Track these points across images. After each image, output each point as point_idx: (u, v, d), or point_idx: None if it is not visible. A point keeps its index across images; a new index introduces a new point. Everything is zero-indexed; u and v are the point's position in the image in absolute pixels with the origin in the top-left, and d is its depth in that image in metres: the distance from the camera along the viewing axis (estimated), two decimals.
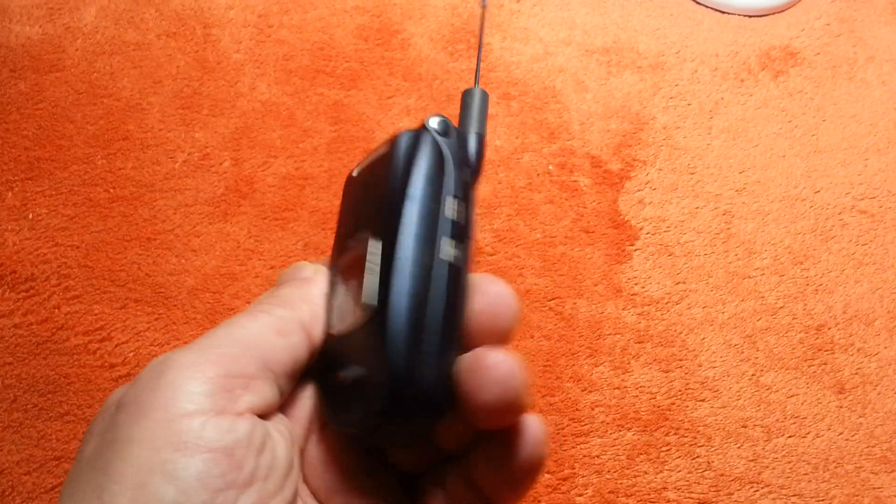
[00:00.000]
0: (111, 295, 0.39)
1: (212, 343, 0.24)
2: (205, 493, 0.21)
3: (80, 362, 0.38)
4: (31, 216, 0.42)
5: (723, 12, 0.49)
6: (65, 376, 0.37)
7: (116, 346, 0.38)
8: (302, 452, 0.27)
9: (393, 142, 0.23)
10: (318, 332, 0.27)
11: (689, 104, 0.45)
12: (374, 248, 0.22)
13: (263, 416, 0.24)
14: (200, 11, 0.48)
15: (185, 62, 0.46)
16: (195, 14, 0.48)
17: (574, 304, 0.38)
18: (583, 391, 0.36)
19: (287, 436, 0.25)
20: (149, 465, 0.21)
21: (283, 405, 0.26)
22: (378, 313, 0.20)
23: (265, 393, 0.25)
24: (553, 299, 0.39)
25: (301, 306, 0.27)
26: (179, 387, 0.22)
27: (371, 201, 0.24)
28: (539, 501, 0.34)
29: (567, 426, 0.35)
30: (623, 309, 0.39)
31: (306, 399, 0.29)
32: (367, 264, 0.22)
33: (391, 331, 0.20)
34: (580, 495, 0.34)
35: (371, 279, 0.21)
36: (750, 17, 0.49)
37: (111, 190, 0.42)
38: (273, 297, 0.27)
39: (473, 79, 0.25)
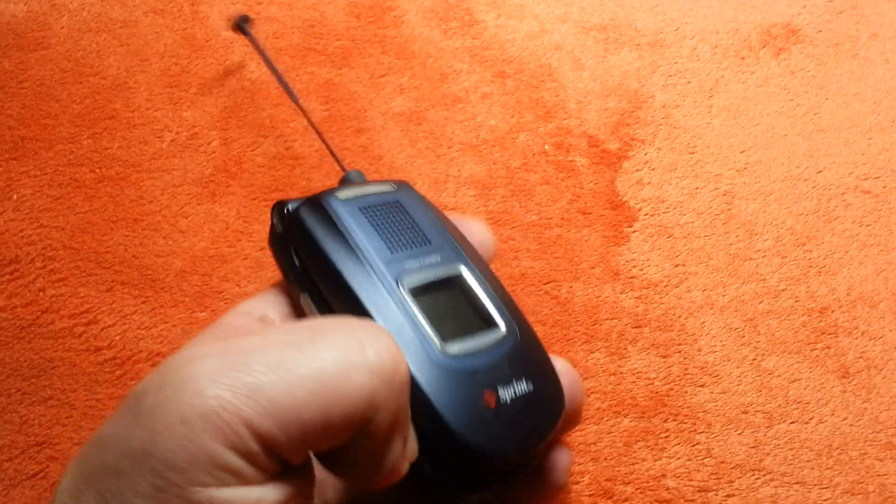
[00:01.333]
0: (97, 277, 0.38)
1: (264, 373, 0.18)
2: None
3: (65, 346, 0.37)
4: (15, 197, 0.41)
5: None
6: (49, 360, 0.36)
7: (102, 329, 0.37)
8: None
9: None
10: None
11: (688, 82, 0.44)
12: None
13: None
14: None
15: (173, 40, 0.45)
16: None
17: (570, 287, 0.38)
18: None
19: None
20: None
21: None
22: None
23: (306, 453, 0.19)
24: (549, 283, 0.38)
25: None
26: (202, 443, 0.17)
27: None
28: (534, 485, 0.34)
29: None
30: (620, 292, 0.38)
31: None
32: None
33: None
34: (577, 483, 0.33)
35: None
36: None
37: (97, 170, 0.41)
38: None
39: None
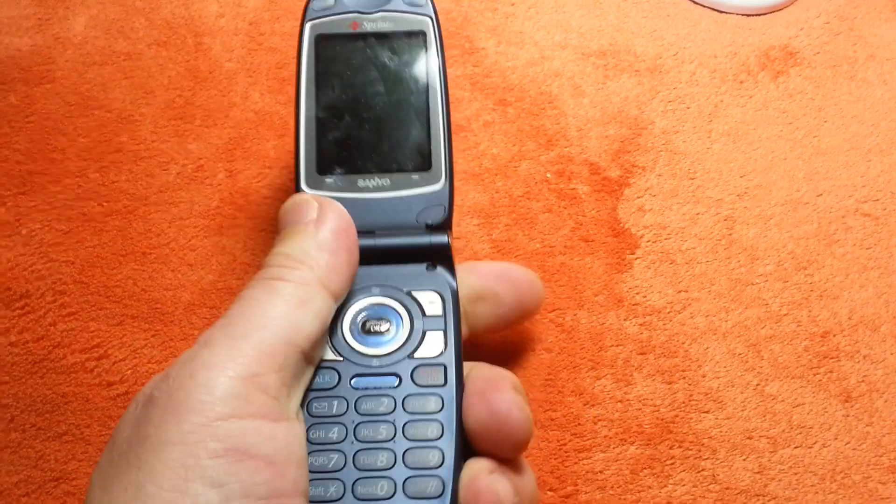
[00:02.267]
0: (107, 311, 0.39)
1: (236, 333, 0.23)
2: (248, 501, 0.20)
3: (77, 381, 0.37)
4: (24, 232, 0.41)
5: (720, 11, 0.49)
6: (62, 395, 0.37)
7: (114, 363, 0.38)
8: None
9: None
10: (337, 283, 0.26)
11: (687, 107, 0.45)
12: None
13: (296, 409, 0.23)
14: (191, 20, 0.47)
15: (177, 72, 0.46)
16: (186, 22, 0.47)
17: (575, 315, 0.38)
18: (585, 405, 0.36)
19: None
20: (188, 469, 0.21)
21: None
22: None
23: (295, 381, 0.24)
24: (553, 311, 0.38)
25: (317, 260, 0.26)
26: (213, 388, 0.21)
27: None
28: None
29: (569, 441, 0.35)
30: (625, 319, 0.38)
31: None
32: None
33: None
34: None
35: None
36: (748, 16, 0.49)
37: (105, 204, 0.42)
38: (284, 255, 0.26)
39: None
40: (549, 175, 0.42)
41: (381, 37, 0.32)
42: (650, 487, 0.34)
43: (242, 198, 0.42)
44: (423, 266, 0.30)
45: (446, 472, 0.25)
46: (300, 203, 0.28)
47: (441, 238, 0.30)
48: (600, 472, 0.34)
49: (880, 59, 0.47)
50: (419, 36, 0.32)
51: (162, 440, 0.21)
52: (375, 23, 0.32)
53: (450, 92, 0.44)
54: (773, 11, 0.49)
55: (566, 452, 0.35)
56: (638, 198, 0.42)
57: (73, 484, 0.35)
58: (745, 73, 0.46)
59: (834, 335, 0.39)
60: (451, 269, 0.30)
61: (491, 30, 0.47)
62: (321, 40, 0.32)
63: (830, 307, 0.40)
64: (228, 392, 0.21)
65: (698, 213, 0.42)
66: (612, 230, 0.41)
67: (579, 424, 0.35)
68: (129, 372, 0.37)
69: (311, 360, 0.26)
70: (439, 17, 0.32)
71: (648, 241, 0.41)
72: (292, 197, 0.29)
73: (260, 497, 0.21)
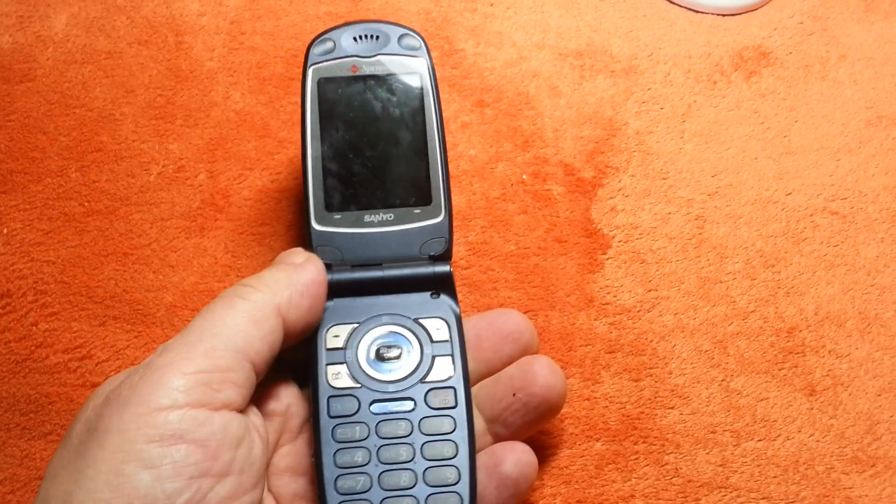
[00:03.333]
0: (89, 312, 0.40)
1: (191, 339, 0.26)
2: (179, 480, 0.23)
3: (60, 381, 0.38)
4: (5, 231, 0.42)
5: (696, 11, 0.49)
6: (46, 395, 0.38)
7: (97, 364, 0.38)
8: (269, 460, 0.29)
9: None
10: (294, 317, 0.29)
11: (661, 108, 0.46)
12: None
13: (242, 407, 0.26)
14: (172, 19, 0.48)
15: (158, 71, 0.46)
16: (167, 21, 0.47)
17: (546, 315, 0.39)
18: None
19: (264, 438, 0.28)
20: (125, 453, 0.23)
21: (262, 400, 0.28)
22: None
23: (241, 386, 0.27)
24: (527, 312, 0.39)
25: (281, 291, 0.29)
26: (158, 383, 0.24)
27: None
28: None
29: (537, 439, 0.36)
30: (595, 319, 0.39)
31: (286, 399, 0.31)
32: None
33: None
34: None
35: None
36: (723, 15, 0.49)
37: (86, 203, 0.42)
38: (256, 279, 0.29)
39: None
40: (525, 176, 0.43)
41: (380, 79, 0.34)
42: (614, 482, 0.35)
43: (223, 199, 0.42)
44: (427, 294, 0.32)
45: (463, 487, 0.28)
46: (291, 251, 0.32)
47: (444, 268, 0.32)
48: (566, 467, 0.35)
49: (852, 60, 0.48)
50: (415, 77, 0.34)
51: (104, 430, 0.23)
52: (374, 66, 0.34)
53: None
54: (747, 11, 0.50)
55: (534, 450, 0.36)
56: (611, 198, 0.43)
57: None
58: (718, 73, 0.47)
59: (800, 331, 0.40)
60: (454, 297, 0.32)
61: (470, 30, 0.47)
62: (323, 83, 0.34)
63: (797, 303, 0.41)
64: (170, 386, 0.24)
65: (670, 213, 0.43)
66: (585, 231, 0.42)
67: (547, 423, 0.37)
68: (113, 373, 0.38)
69: (259, 374, 0.27)
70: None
71: (620, 242, 0.42)
72: (293, 249, 0.32)
73: (191, 476, 0.23)
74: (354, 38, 0.34)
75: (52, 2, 0.48)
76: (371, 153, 0.33)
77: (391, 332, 0.31)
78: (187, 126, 0.44)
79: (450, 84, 0.45)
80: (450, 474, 0.28)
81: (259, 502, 0.26)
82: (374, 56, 0.34)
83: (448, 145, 0.43)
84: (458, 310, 0.32)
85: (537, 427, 0.33)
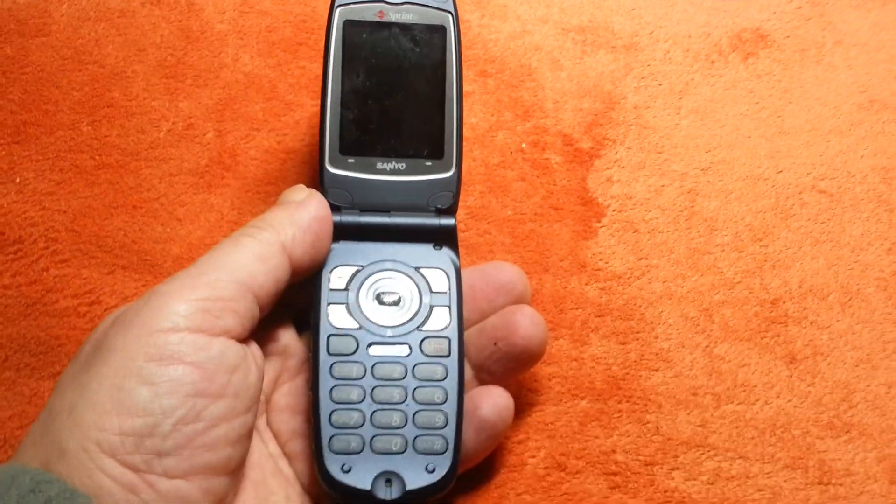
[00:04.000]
0: (98, 260, 0.41)
1: (196, 271, 0.28)
2: (175, 397, 0.25)
3: (70, 324, 0.39)
4: (18, 180, 0.43)
5: None
6: (55, 337, 0.39)
7: (105, 309, 0.40)
8: (270, 397, 0.31)
9: None
10: (299, 254, 0.30)
11: (659, 84, 0.47)
12: None
13: (242, 337, 0.28)
14: None
15: (169, 31, 0.47)
16: None
17: (540, 279, 0.40)
18: (542, 363, 0.38)
19: (261, 368, 0.29)
20: (126, 370, 0.25)
21: (262, 338, 0.29)
22: None
23: (243, 316, 0.28)
24: None
25: (286, 229, 0.30)
26: (161, 307, 0.26)
27: None
28: (492, 460, 0.37)
29: (524, 396, 0.37)
30: (586, 284, 0.41)
31: (285, 339, 0.32)
32: None
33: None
34: (532, 457, 0.36)
35: None
36: None
37: (97, 157, 0.43)
38: (261, 219, 0.31)
39: None
40: (524, 145, 0.44)
41: (406, 28, 0.34)
42: (597, 437, 0.37)
43: (230, 158, 0.43)
44: (430, 246, 0.33)
45: (449, 431, 0.29)
46: (293, 188, 0.32)
47: (449, 221, 0.34)
48: (551, 423, 0.37)
49: (847, 45, 0.49)
50: (440, 31, 0.34)
51: (109, 348, 0.25)
52: (400, 14, 0.34)
53: None
54: None
55: (520, 406, 0.37)
56: (607, 169, 0.44)
57: None
58: (716, 53, 0.48)
59: (784, 302, 0.42)
60: (456, 250, 0.33)
61: (476, 2, 0.48)
62: (349, 26, 0.34)
63: (782, 276, 0.42)
64: (172, 311, 0.25)
65: (663, 186, 0.44)
66: (581, 199, 0.43)
67: (535, 381, 0.38)
68: None
69: (263, 308, 0.29)
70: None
71: (614, 211, 0.43)
72: (295, 187, 0.33)
73: (187, 394, 0.25)
74: None
75: None
76: (389, 101, 0.34)
77: (392, 278, 0.32)
78: (197, 86, 0.45)
79: None
80: (438, 419, 0.29)
81: (251, 426, 0.28)
82: (402, 3, 0.34)
83: None
84: (458, 263, 0.33)
85: (520, 374, 0.34)
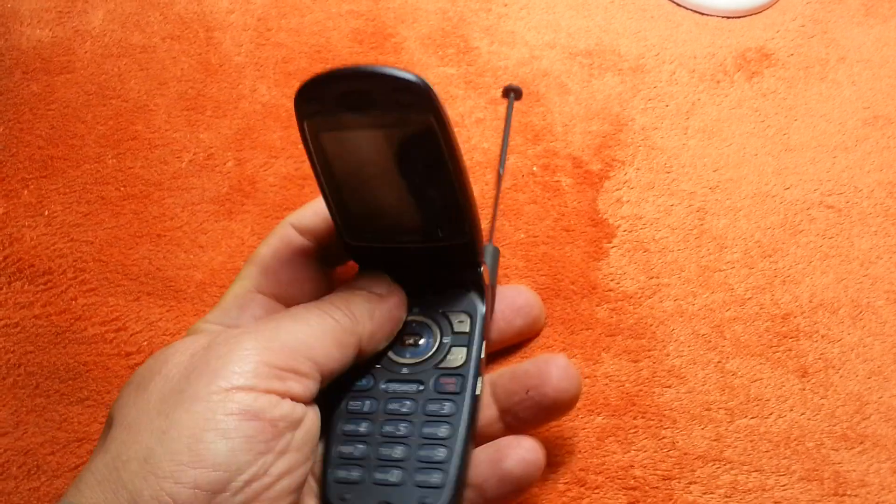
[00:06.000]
0: (124, 288, 0.42)
1: (279, 335, 0.29)
2: (249, 454, 0.26)
3: (97, 351, 0.41)
4: (46, 213, 0.44)
5: (701, 13, 0.52)
6: (84, 364, 0.40)
7: (131, 335, 0.41)
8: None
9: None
10: (370, 349, 0.32)
11: (666, 105, 0.48)
12: None
13: (306, 402, 0.29)
14: (203, 15, 0.50)
15: (189, 65, 0.49)
16: (198, 17, 0.50)
17: (552, 302, 0.41)
18: None
19: (318, 421, 0.30)
20: (207, 421, 0.25)
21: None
22: None
23: (309, 386, 0.30)
24: None
25: (366, 324, 0.32)
26: (244, 366, 0.27)
27: None
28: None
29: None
30: (596, 305, 0.42)
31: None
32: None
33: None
34: (552, 472, 0.37)
35: None
36: (728, 18, 0.52)
37: (122, 188, 0.45)
38: (345, 302, 0.32)
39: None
40: (535, 168, 0.45)
41: (378, 133, 0.29)
42: (614, 453, 0.38)
43: (250, 185, 0.45)
44: (457, 290, 0.34)
45: (451, 467, 0.30)
46: (377, 278, 0.33)
47: (475, 270, 0.34)
48: (568, 438, 0.38)
49: (850, 62, 0.50)
50: (424, 133, 0.28)
51: (191, 396, 0.25)
52: (368, 120, 0.29)
53: (445, 90, 0.47)
54: (751, 14, 0.52)
55: None
56: (617, 190, 0.45)
57: (94, 444, 0.39)
58: (722, 73, 0.49)
59: (794, 317, 0.42)
60: (482, 295, 0.34)
61: (484, 29, 0.50)
62: (319, 136, 0.30)
63: (792, 291, 0.43)
64: (252, 371, 0.26)
65: (672, 205, 0.45)
66: (592, 220, 0.44)
67: None
68: (146, 343, 0.41)
69: (324, 382, 0.30)
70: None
71: (625, 231, 0.44)
72: (377, 273, 0.33)
73: (259, 452, 0.25)
74: (342, 96, 0.28)
75: None
76: (387, 197, 0.31)
77: (418, 321, 0.33)
78: (216, 117, 0.47)
79: (465, 81, 0.48)
80: (439, 453, 0.30)
81: (307, 473, 0.29)
82: (366, 114, 0.28)
83: (462, 139, 0.46)
84: (483, 308, 0.33)
85: (547, 422, 0.34)
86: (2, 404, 0.39)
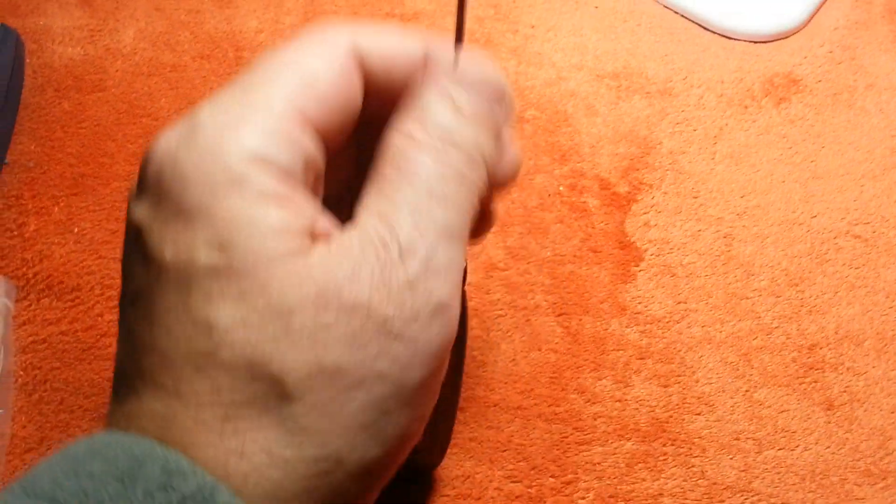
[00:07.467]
0: None
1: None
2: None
3: None
4: (76, 230, 0.45)
5: (729, 38, 0.52)
6: (108, 380, 0.41)
7: None
8: None
9: None
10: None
11: (694, 130, 0.48)
12: None
13: None
14: (232, 34, 0.51)
15: (218, 83, 0.49)
16: (227, 37, 0.51)
17: (580, 320, 0.41)
18: (586, 402, 0.39)
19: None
20: None
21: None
22: None
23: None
24: (561, 315, 0.42)
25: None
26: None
27: None
28: (544, 501, 0.37)
29: (571, 435, 0.38)
30: (626, 326, 0.41)
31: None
32: None
33: None
34: (582, 498, 0.37)
35: None
36: (755, 42, 0.52)
37: None
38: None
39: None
40: (561, 188, 0.45)
41: None
42: (644, 480, 0.37)
43: None
44: None
45: None
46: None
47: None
48: (598, 463, 0.38)
49: (879, 89, 0.50)
50: None
51: None
52: None
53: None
54: (779, 39, 0.52)
55: (567, 444, 0.38)
56: (644, 213, 0.45)
57: None
58: (749, 98, 0.49)
59: (820, 348, 0.42)
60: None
61: (511, 50, 0.50)
62: None
63: (819, 322, 0.43)
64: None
65: (700, 230, 0.45)
66: (619, 243, 0.44)
67: (580, 420, 0.39)
68: None
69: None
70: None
71: (652, 255, 0.44)
72: None
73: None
74: None
75: (120, 17, 0.51)
76: None
77: None
78: None
79: None
80: None
81: None
82: None
83: None
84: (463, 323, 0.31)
85: None
86: (27, 420, 0.40)
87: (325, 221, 0.18)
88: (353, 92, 0.20)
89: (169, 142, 0.18)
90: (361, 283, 0.16)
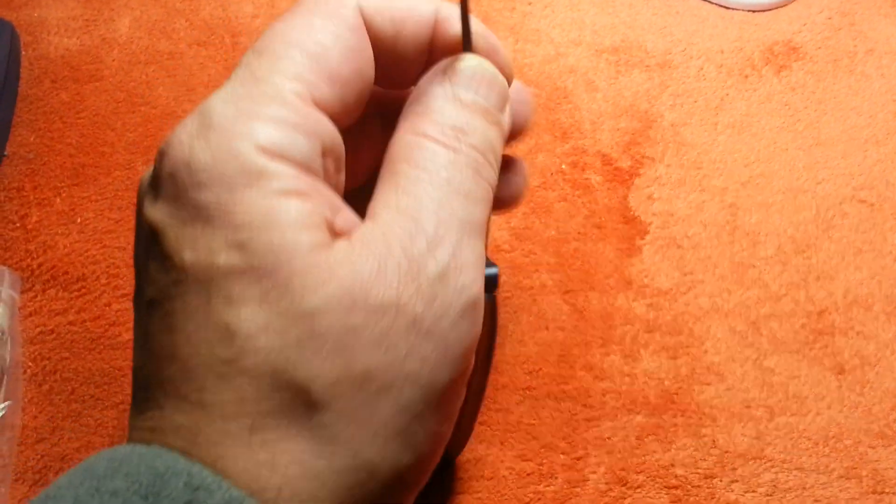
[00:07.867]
0: None
1: None
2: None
3: (131, 356, 0.41)
4: (79, 220, 0.45)
5: (727, 8, 0.51)
6: (119, 369, 0.41)
7: None
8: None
9: None
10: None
11: (695, 101, 0.47)
12: None
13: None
14: (228, 21, 0.50)
15: (216, 70, 0.49)
16: (223, 23, 0.50)
17: (587, 296, 0.41)
18: (595, 379, 0.39)
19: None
20: None
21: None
22: None
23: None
24: (567, 293, 0.41)
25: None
26: None
27: None
28: (555, 477, 0.37)
29: (580, 412, 0.38)
30: (633, 300, 0.41)
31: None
32: None
33: None
34: (593, 472, 0.37)
35: None
36: (753, 11, 0.51)
37: None
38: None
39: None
40: (563, 166, 0.45)
41: None
42: (654, 452, 0.37)
43: None
44: None
45: None
46: None
47: (492, 269, 0.32)
48: (608, 438, 0.38)
49: (879, 54, 0.50)
50: None
51: None
52: None
53: None
54: (777, 7, 0.51)
55: (577, 421, 0.38)
56: (647, 187, 0.45)
57: None
58: (749, 67, 0.49)
59: (830, 313, 0.42)
60: (492, 295, 0.32)
61: (509, 28, 0.50)
62: None
63: (827, 287, 0.43)
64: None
65: (704, 201, 0.45)
66: (623, 217, 0.44)
67: (589, 396, 0.39)
68: None
69: None
70: None
71: (657, 228, 0.44)
72: None
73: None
74: None
75: (115, 6, 0.51)
76: None
77: None
78: None
79: None
80: None
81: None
82: None
83: None
84: (493, 303, 0.31)
85: None
86: (38, 410, 0.40)
87: (347, 214, 0.17)
88: (364, 63, 0.19)
89: (182, 139, 0.17)
90: (388, 279, 0.16)
